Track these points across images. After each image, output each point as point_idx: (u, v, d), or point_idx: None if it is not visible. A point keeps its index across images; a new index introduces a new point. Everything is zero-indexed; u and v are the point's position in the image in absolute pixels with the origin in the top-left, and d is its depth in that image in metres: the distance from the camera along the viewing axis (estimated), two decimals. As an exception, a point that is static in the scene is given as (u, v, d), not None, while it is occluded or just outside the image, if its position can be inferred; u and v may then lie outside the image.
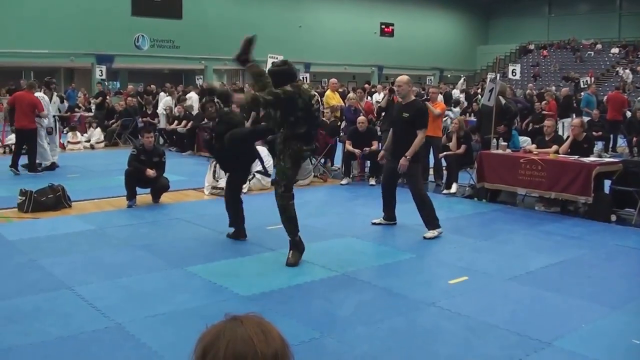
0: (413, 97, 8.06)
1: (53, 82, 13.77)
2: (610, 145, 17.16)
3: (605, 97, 19.75)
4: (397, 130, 8.02)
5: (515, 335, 4.66)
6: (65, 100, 19.55)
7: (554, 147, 9.63)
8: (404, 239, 7.73)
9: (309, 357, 4.26)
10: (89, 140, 17.59)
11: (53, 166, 12.92)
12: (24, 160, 12.49)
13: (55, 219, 8.55)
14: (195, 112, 16.52)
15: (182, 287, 5.74)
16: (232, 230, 7.55)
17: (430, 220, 7.74)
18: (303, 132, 6.27)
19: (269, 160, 11.27)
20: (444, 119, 14.11)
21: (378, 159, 8.70)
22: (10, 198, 9.23)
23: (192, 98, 17.90)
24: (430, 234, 7.66)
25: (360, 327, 4.80)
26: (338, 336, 4.63)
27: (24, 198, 8.89)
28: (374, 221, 8.37)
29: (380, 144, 11.67)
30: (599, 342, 4.61)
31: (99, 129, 17.84)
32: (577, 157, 9.18)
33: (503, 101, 11.26)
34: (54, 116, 13.34)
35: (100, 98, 19.81)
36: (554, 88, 23.34)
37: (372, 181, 11.54)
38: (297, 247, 6.51)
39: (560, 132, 14.63)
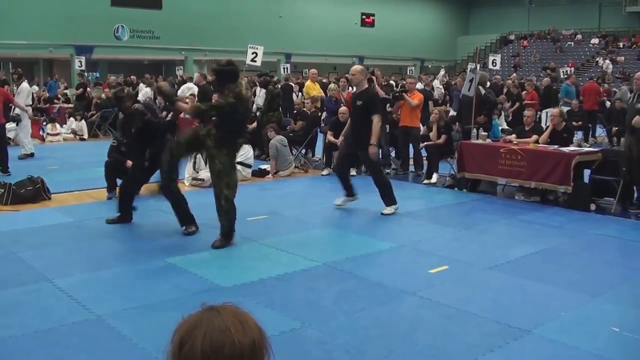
0: (366, 86, 8.36)
1: (19, 74, 13.75)
2: (590, 134, 17.29)
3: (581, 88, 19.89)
4: (353, 118, 8.42)
5: (495, 324, 4.69)
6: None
7: (534, 136, 9.68)
8: (384, 229, 7.75)
9: (290, 347, 4.27)
10: (74, 133, 17.39)
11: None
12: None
13: (35, 211, 8.48)
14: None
15: (162, 279, 5.72)
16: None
17: (387, 198, 8.24)
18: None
19: (249, 152, 11.28)
20: None
21: (338, 144, 9.04)
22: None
23: (193, 89, 16.85)
24: (388, 210, 8.19)
25: (341, 317, 4.81)
26: (319, 326, 4.63)
27: (2, 190, 8.80)
28: (336, 203, 8.62)
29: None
30: (578, 329, 4.65)
31: (83, 121, 17.65)
32: (556, 146, 9.24)
33: (483, 91, 11.30)
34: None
35: (80, 89, 19.62)
36: (534, 78, 23.44)
37: (353, 172, 11.50)
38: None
39: (543, 123, 14.74)
